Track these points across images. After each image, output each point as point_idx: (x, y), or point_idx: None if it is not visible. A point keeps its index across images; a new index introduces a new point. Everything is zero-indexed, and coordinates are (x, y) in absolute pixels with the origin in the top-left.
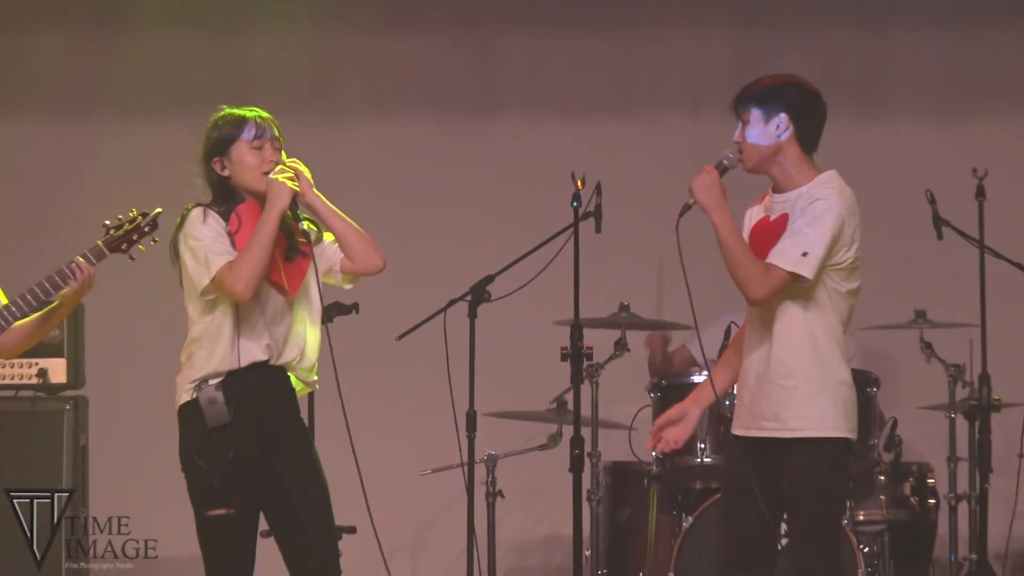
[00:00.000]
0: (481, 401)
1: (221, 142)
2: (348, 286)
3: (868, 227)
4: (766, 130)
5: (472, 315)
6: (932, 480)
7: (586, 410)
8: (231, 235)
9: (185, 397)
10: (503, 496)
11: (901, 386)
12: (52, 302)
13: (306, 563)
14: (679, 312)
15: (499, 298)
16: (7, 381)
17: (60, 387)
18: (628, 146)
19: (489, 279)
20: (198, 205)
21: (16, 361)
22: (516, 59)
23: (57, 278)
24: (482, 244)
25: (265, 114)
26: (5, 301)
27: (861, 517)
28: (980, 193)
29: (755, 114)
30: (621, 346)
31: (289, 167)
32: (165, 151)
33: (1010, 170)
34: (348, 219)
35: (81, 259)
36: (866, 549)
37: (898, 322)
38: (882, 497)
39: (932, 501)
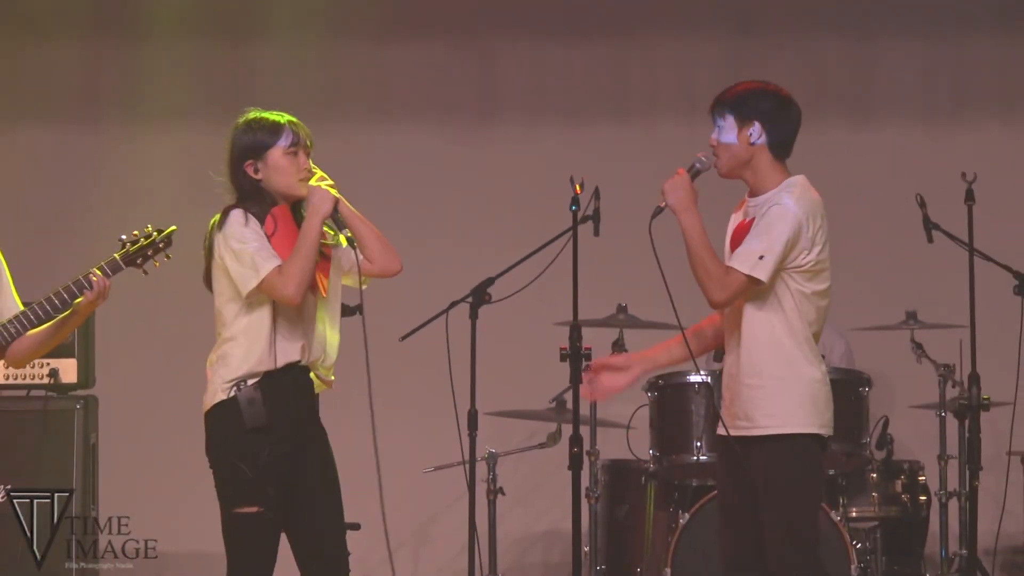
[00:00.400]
0: (482, 400)
1: (256, 146)
2: (364, 287)
3: (860, 230)
4: (740, 136)
5: (473, 316)
6: (923, 477)
7: (585, 409)
8: (267, 237)
9: (221, 396)
10: (504, 493)
11: (892, 385)
12: (66, 311)
13: (318, 560)
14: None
15: (500, 300)
16: (19, 381)
17: (71, 387)
18: (625, 151)
19: (490, 281)
20: (235, 207)
21: None
22: (516, 66)
23: (74, 288)
24: (483, 247)
25: (295, 119)
26: (22, 307)
27: (854, 514)
28: (969, 197)
29: (730, 120)
30: (619, 347)
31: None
32: (176, 158)
33: (998, 174)
34: (369, 223)
35: (98, 271)
36: (859, 545)
37: (889, 323)
38: (874, 494)
39: (923, 498)
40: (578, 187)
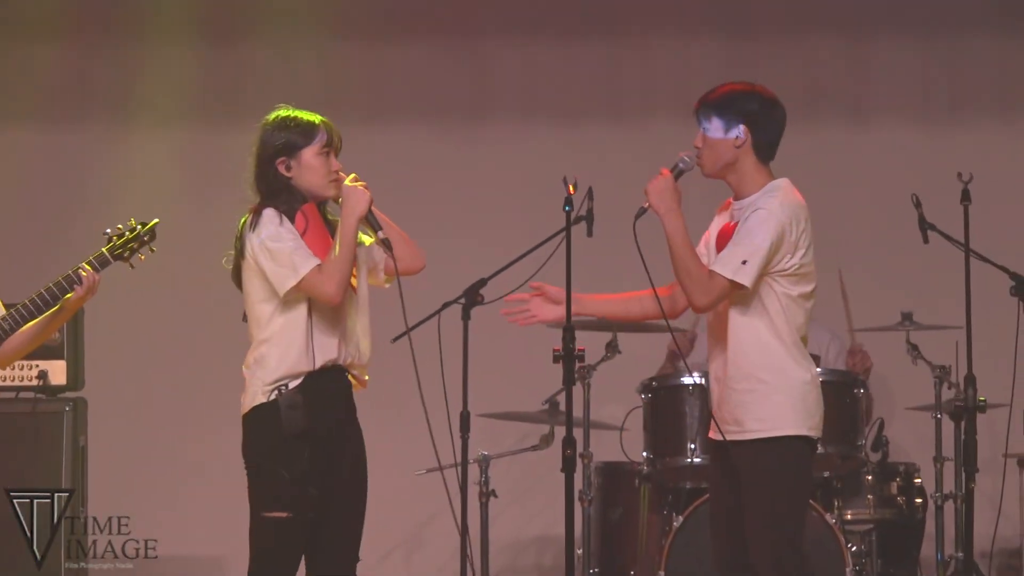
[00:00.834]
0: (475, 402)
1: (291, 145)
2: (387, 285)
3: (855, 231)
4: (724, 138)
5: (465, 317)
6: (919, 480)
7: (578, 411)
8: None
9: (261, 399)
10: (496, 496)
11: (888, 387)
12: (55, 307)
13: (326, 558)
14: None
15: (492, 301)
16: (8, 383)
17: (60, 389)
18: (619, 151)
19: (482, 282)
20: (266, 205)
21: (16, 363)
22: (509, 66)
23: (64, 283)
24: (475, 248)
25: (327, 120)
26: (3, 312)
27: (849, 516)
28: (965, 197)
29: (715, 121)
30: (612, 348)
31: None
32: (168, 159)
33: (994, 174)
34: (392, 223)
35: (87, 266)
36: (854, 548)
37: (885, 324)
38: (870, 496)
39: (919, 500)
40: (571, 187)
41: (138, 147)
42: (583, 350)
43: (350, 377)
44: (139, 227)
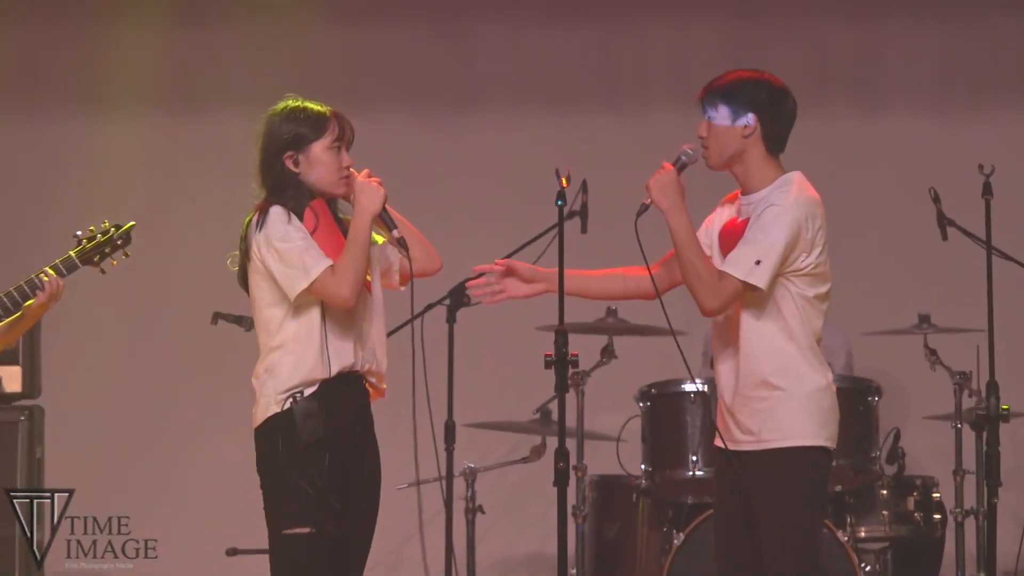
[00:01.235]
0: (460, 411)
1: (300, 139)
2: (402, 288)
3: (869, 228)
4: (732, 128)
5: (451, 320)
6: (937, 494)
7: (571, 420)
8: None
9: (275, 408)
10: (483, 512)
11: (904, 395)
12: (16, 314)
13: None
14: (670, 318)
15: (479, 302)
16: None
17: (15, 396)
18: (615, 142)
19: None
20: (273, 202)
21: None
22: (498, 51)
23: (26, 288)
24: (461, 245)
25: (339, 112)
26: None
27: (862, 534)
28: (987, 191)
29: (722, 111)
30: (608, 353)
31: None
32: (140, 148)
33: (1018, 166)
34: (407, 222)
35: (51, 271)
36: (868, 568)
37: (901, 327)
38: (884, 512)
39: (937, 516)
40: (564, 180)
41: (107, 138)
42: (577, 355)
43: (367, 385)
44: (113, 230)
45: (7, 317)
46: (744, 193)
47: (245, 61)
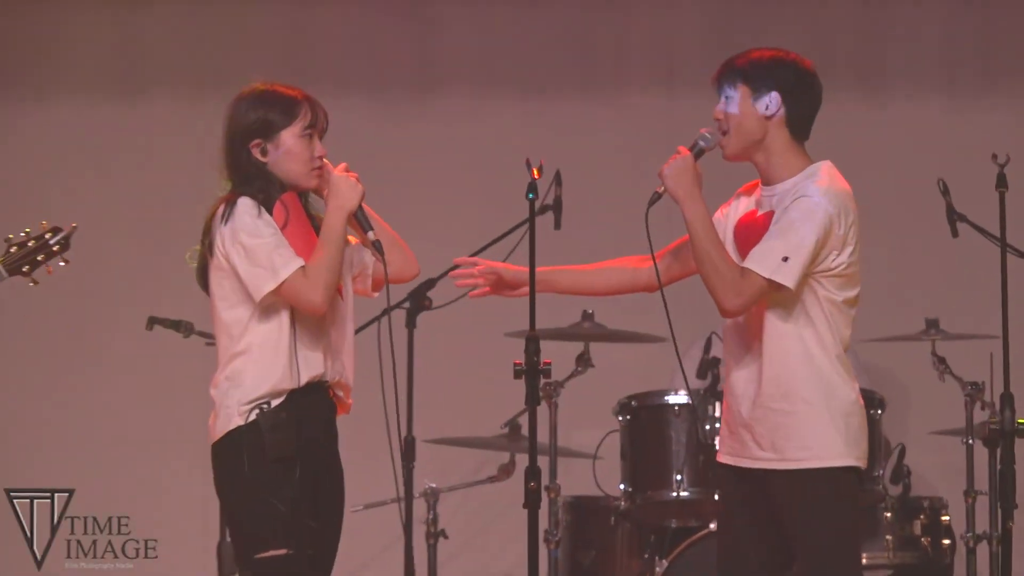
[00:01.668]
0: (420, 425)
1: (267, 125)
2: (375, 294)
3: (871, 224)
4: (753, 111)
5: (410, 325)
6: (947, 517)
7: (543, 436)
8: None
9: (238, 421)
10: (446, 536)
11: (910, 408)
12: None
13: None
14: (653, 322)
15: (442, 305)
16: None
17: None
18: (592, 129)
19: (430, 283)
20: (241, 194)
21: None
22: (462, 29)
23: None
24: (422, 243)
25: (311, 96)
26: None
27: (864, 560)
28: (1001, 183)
29: (742, 91)
30: (584, 361)
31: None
32: (58, 138)
33: None
34: (383, 222)
35: None
36: None
37: (906, 333)
38: (888, 537)
39: (947, 542)
40: (536, 171)
41: (26, 126)
42: (549, 363)
43: (333, 397)
44: (48, 233)
45: None
46: (765, 184)
47: (181, 40)
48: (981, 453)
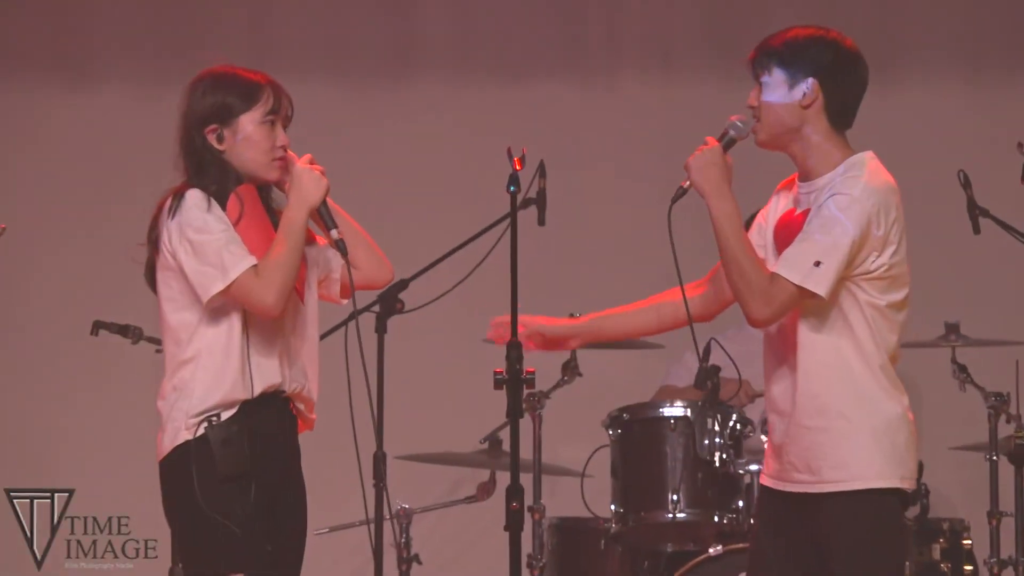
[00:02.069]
0: (392, 441)
1: (224, 109)
2: (344, 301)
3: None
4: (789, 96)
5: (380, 330)
6: (968, 541)
7: (526, 452)
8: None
9: (185, 435)
10: (420, 562)
11: (928, 421)
12: None
13: None
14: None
15: (415, 308)
16: None
17: None
18: (579, 117)
19: (403, 284)
20: (190, 186)
21: None
22: (439, 10)
23: None
24: (395, 241)
25: (274, 80)
26: None
27: None
28: None
29: (777, 75)
30: (571, 370)
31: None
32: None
33: None
34: (353, 221)
35: None
36: None
37: (924, 339)
38: (906, 563)
39: (969, 568)
40: (518, 162)
41: None
42: (533, 372)
43: (293, 411)
44: None
45: None
46: (803, 179)
47: (133, 21)
48: (1006, 470)
